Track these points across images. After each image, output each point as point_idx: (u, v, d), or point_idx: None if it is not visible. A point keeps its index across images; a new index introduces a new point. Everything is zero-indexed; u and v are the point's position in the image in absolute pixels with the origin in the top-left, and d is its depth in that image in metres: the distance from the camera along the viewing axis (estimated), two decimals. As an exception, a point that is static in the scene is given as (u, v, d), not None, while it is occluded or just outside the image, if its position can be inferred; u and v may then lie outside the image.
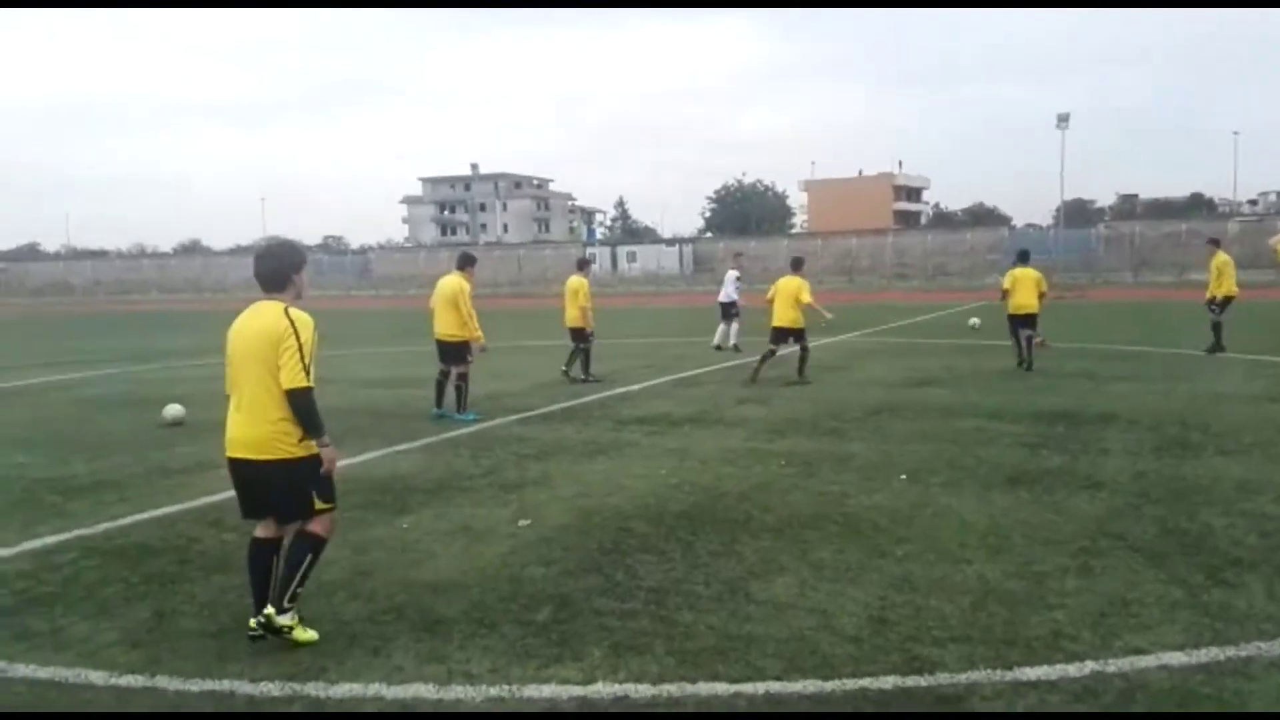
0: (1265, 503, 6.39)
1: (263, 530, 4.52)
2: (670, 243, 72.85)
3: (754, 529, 6.04)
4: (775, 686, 3.85)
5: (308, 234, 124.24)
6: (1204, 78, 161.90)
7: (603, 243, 77.74)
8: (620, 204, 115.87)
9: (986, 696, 3.72)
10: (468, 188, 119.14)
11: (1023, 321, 14.12)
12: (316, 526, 4.44)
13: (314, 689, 3.95)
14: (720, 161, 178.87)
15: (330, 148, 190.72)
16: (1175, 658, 3.99)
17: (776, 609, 4.65)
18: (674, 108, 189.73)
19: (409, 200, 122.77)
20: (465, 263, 11.14)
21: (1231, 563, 5.18)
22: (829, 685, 3.85)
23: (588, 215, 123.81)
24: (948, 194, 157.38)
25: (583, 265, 14.92)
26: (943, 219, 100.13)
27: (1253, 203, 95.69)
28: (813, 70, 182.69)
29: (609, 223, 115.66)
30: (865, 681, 3.87)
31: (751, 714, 3.68)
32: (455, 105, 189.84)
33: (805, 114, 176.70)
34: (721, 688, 3.85)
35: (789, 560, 5.39)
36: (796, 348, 13.55)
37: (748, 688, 3.84)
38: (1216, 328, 15.28)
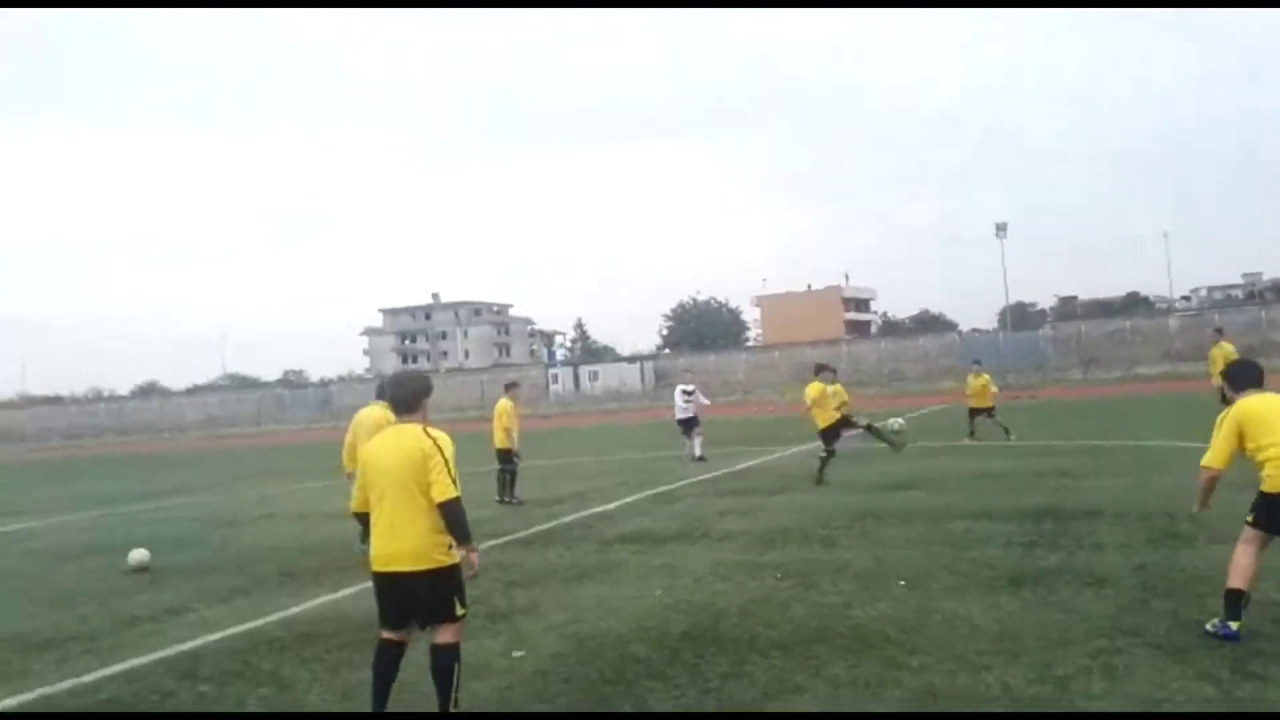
0: (1269, 589, 6.31)
1: (392, 634, 4.82)
2: (631, 360, 73.35)
3: (761, 647, 5.80)
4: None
5: (267, 369, 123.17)
6: (1132, 182, 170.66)
7: (565, 363, 77.91)
8: (579, 325, 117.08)
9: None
10: (428, 316, 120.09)
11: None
12: (453, 635, 4.73)
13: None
14: (674, 278, 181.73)
15: (287, 282, 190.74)
16: (1226, 759, 3.82)
17: (801, 733, 4.41)
18: (625, 228, 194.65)
19: (370, 332, 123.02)
20: (509, 387, 13.24)
21: (1254, 654, 5.07)
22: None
23: (548, 337, 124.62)
24: (894, 303, 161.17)
25: (509, 387, 14.84)
26: (891, 327, 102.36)
27: (1186, 298, 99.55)
28: (753, 190, 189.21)
29: (569, 343, 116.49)
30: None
31: None
32: (412, 235, 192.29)
33: (753, 231, 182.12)
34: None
35: (803, 678, 5.16)
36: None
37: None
38: None
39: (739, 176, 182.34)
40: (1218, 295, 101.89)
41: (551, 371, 72.21)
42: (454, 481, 4.61)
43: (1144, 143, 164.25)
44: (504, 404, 14.36)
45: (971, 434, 18.97)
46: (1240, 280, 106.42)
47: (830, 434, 14.02)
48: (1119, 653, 5.24)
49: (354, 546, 9.23)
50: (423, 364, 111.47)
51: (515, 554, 9.67)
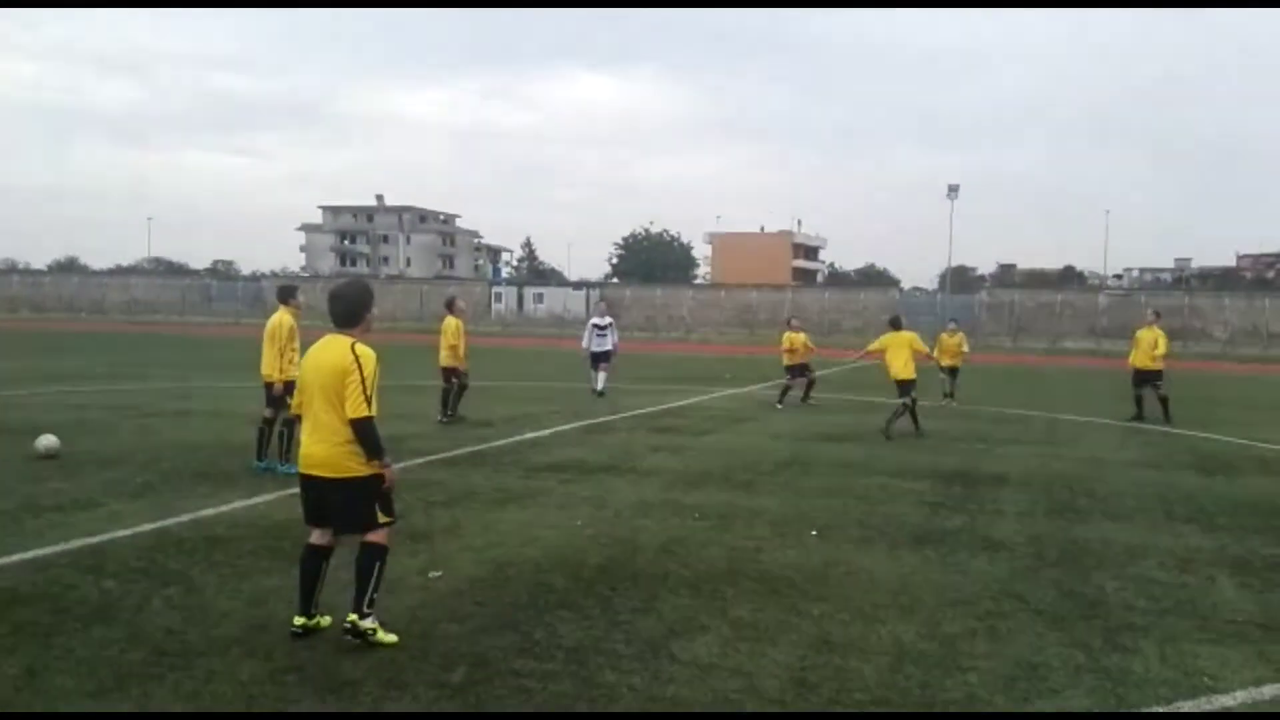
0: (1151, 567, 6.70)
1: (318, 538, 4.97)
2: (577, 286, 72.97)
3: (673, 584, 5.99)
4: (701, 753, 3.78)
5: (195, 257, 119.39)
6: (1081, 157, 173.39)
7: (509, 282, 77.22)
8: (528, 244, 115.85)
9: (911, 764, 3.73)
10: (370, 219, 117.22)
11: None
12: (378, 537, 4.88)
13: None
14: (627, 207, 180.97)
15: (225, 169, 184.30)
16: (1086, 724, 4.10)
17: (700, 670, 4.59)
18: (582, 152, 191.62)
19: (307, 228, 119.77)
20: (285, 295, 9.89)
21: (1126, 626, 5.40)
22: (755, 751, 3.80)
23: (494, 253, 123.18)
24: (842, 254, 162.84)
25: (451, 305, 14.73)
26: (837, 278, 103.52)
27: (1118, 277, 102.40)
28: (720, 126, 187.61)
29: (515, 262, 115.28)
30: (791, 747, 3.84)
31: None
32: (361, 135, 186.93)
33: (710, 168, 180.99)
34: (648, 754, 3.76)
35: (709, 618, 5.35)
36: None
37: (674, 754, 3.76)
38: (1165, 400, 15.83)
39: (705, 113, 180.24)
40: (1148, 278, 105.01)
41: (495, 289, 71.46)
42: (368, 400, 4.73)
43: (1102, 121, 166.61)
44: (450, 321, 14.26)
45: (949, 395, 18.44)
46: (1171, 265, 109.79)
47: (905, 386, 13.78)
48: (1004, 616, 5.54)
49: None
50: (361, 268, 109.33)
51: (440, 474, 9.71)
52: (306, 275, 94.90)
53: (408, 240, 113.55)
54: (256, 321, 60.57)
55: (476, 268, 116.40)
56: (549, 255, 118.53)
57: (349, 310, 4.98)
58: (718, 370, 26.82)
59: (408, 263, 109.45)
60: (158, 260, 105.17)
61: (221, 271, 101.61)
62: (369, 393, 4.75)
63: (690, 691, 4.33)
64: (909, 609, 5.63)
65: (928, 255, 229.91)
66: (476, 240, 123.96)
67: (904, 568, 6.53)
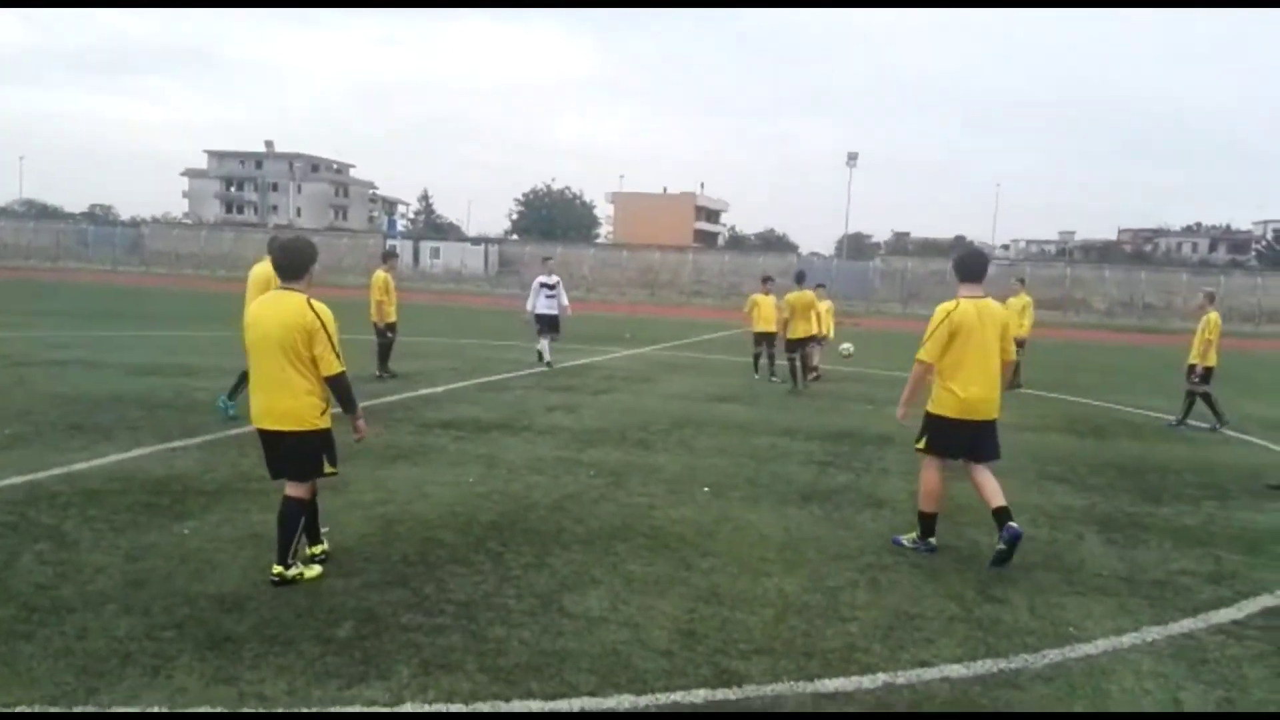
0: (1023, 524, 7.03)
1: (293, 490, 5.07)
2: (476, 241, 71.65)
3: (565, 540, 6.02)
4: (589, 702, 3.84)
5: (71, 201, 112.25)
6: (975, 131, 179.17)
7: (405, 235, 74.99)
8: (425, 197, 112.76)
9: (792, 710, 3.88)
10: (259, 165, 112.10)
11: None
12: (302, 491, 5.04)
13: (82, 713, 3.54)
14: (528, 165, 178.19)
15: (106, 111, 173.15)
16: (955, 670, 4.33)
17: (589, 623, 4.65)
18: (483, 107, 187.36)
19: (191, 173, 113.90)
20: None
21: (997, 580, 5.70)
22: (642, 700, 3.88)
23: (389, 205, 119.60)
24: (743, 218, 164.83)
25: (386, 258, 14.52)
26: (737, 242, 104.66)
27: (1005, 248, 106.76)
28: (624, 87, 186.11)
29: (412, 215, 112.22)
30: (677, 695, 3.93)
31: (567, 732, 3.65)
32: (252, 80, 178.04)
33: (614, 128, 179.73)
34: (536, 705, 3.79)
35: (600, 573, 5.41)
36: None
37: (562, 704, 3.81)
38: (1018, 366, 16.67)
39: (611, 74, 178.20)
40: (1033, 249, 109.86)
41: (390, 242, 69.43)
42: (338, 356, 4.92)
43: (997, 99, 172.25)
44: (379, 275, 14.05)
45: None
46: (1055, 237, 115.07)
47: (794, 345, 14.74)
48: (885, 569, 5.79)
49: None
50: (248, 216, 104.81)
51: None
52: (190, 223, 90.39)
53: (298, 189, 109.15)
54: (134, 269, 57.83)
55: (371, 220, 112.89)
56: (448, 210, 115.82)
57: (296, 264, 5.02)
58: (618, 330, 26.90)
59: (298, 213, 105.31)
60: (29, 203, 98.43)
61: (99, 216, 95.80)
62: (337, 348, 4.92)
63: (579, 644, 4.38)
64: (795, 563, 5.81)
65: (826, 222, 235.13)
66: (371, 191, 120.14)
67: (790, 523, 6.73)
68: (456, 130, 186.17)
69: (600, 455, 8.80)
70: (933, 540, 6.21)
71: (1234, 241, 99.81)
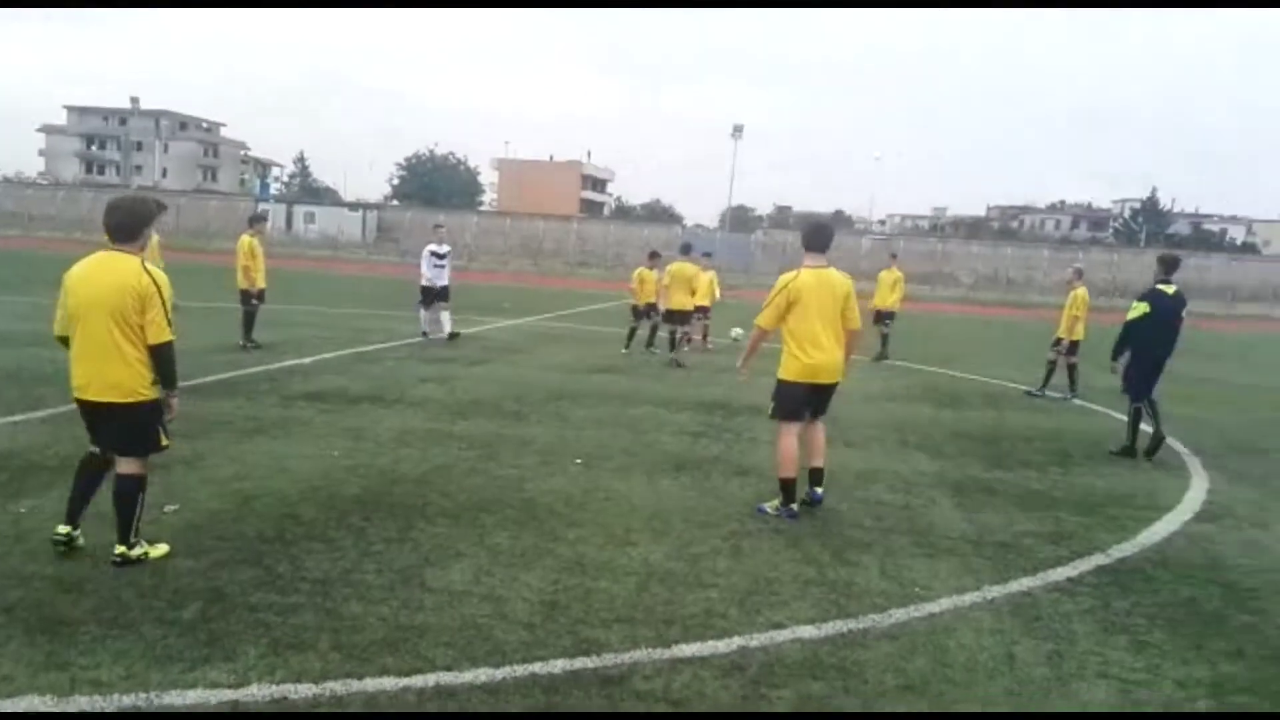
0: (880, 490, 7.39)
1: (126, 467, 4.81)
2: (354, 207, 69.33)
3: (431, 514, 5.93)
4: (446, 677, 3.81)
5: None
6: (857, 106, 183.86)
7: (278, 199, 71.80)
8: (301, 159, 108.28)
9: (648, 675, 3.94)
10: (123, 122, 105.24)
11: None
12: (136, 468, 4.80)
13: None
14: (410, 128, 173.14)
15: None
16: (807, 631, 4.49)
17: (451, 597, 4.60)
18: (363, 67, 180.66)
19: (49, 130, 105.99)
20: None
21: (852, 544, 5.93)
22: (500, 672, 3.87)
23: (262, 167, 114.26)
24: (629, 188, 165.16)
25: (253, 222, 13.87)
26: (623, 212, 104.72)
27: (881, 222, 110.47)
28: (511, 49, 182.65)
29: (286, 178, 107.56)
30: (535, 666, 3.94)
31: (421, 713, 3.60)
32: (116, 32, 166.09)
33: (500, 92, 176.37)
34: (389, 682, 3.74)
35: (466, 546, 5.36)
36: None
37: (417, 680, 3.77)
38: (885, 339, 17.29)
39: (497, 38, 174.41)
40: (908, 224, 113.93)
41: (261, 206, 66.48)
42: (169, 324, 4.68)
43: (878, 76, 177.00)
44: (245, 240, 13.47)
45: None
46: (929, 213, 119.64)
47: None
48: (747, 536, 5.94)
49: None
50: (110, 176, 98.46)
51: (186, 402, 8.91)
52: (46, 183, 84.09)
53: (165, 148, 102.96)
54: (-24, 230, 53.35)
55: (242, 182, 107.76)
56: (325, 174, 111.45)
57: (128, 225, 4.73)
58: (497, 300, 26.58)
59: (164, 173, 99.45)
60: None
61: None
62: (169, 315, 4.69)
63: (439, 618, 4.34)
64: (661, 532, 5.90)
65: (710, 194, 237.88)
66: (243, 152, 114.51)
67: (660, 493, 6.82)
68: (332, 91, 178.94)
69: (472, 427, 8.69)
70: (794, 506, 6.41)
71: (1094, 219, 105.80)
